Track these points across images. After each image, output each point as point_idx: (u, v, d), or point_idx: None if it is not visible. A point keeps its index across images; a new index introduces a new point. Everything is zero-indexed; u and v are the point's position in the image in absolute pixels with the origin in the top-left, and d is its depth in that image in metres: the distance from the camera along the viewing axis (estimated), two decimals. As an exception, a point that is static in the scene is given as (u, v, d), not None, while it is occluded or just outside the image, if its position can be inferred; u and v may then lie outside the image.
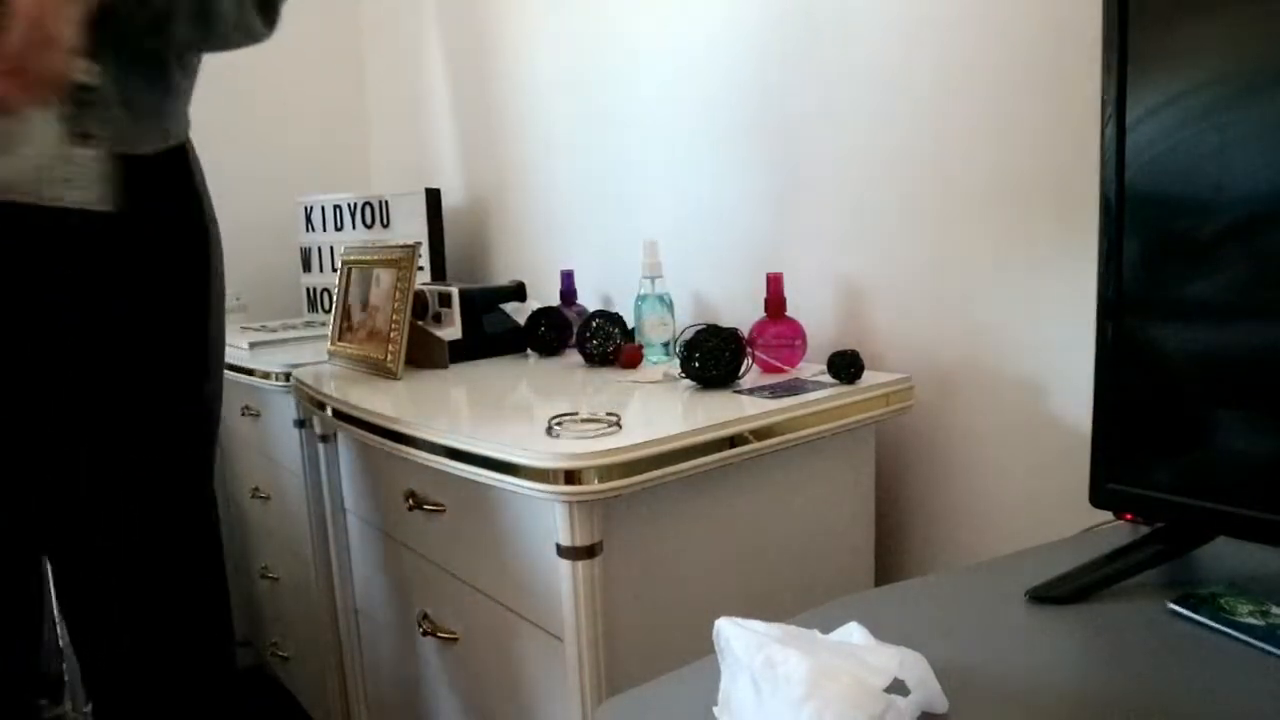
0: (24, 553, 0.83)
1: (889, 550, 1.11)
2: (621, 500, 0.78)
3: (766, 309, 1.08)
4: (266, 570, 1.64)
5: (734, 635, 0.46)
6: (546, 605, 0.83)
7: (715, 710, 0.48)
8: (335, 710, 1.41)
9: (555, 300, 1.42)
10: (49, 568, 0.87)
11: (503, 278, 1.77)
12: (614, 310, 1.29)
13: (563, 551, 0.78)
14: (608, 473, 0.74)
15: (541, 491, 0.75)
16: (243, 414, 1.61)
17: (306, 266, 1.96)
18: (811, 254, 1.18)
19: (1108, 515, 0.68)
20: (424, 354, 1.28)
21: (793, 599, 0.95)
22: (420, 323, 1.33)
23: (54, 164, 0.70)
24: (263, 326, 1.80)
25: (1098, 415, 0.64)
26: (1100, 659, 0.55)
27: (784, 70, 1.18)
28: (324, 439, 1.29)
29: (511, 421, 0.88)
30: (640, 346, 1.21)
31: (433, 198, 1.71)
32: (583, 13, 1.51)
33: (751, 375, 1.04)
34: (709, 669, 0.52)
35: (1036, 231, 0.93)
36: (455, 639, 1.01)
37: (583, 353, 1.24)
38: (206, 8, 0.78)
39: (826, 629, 0.50)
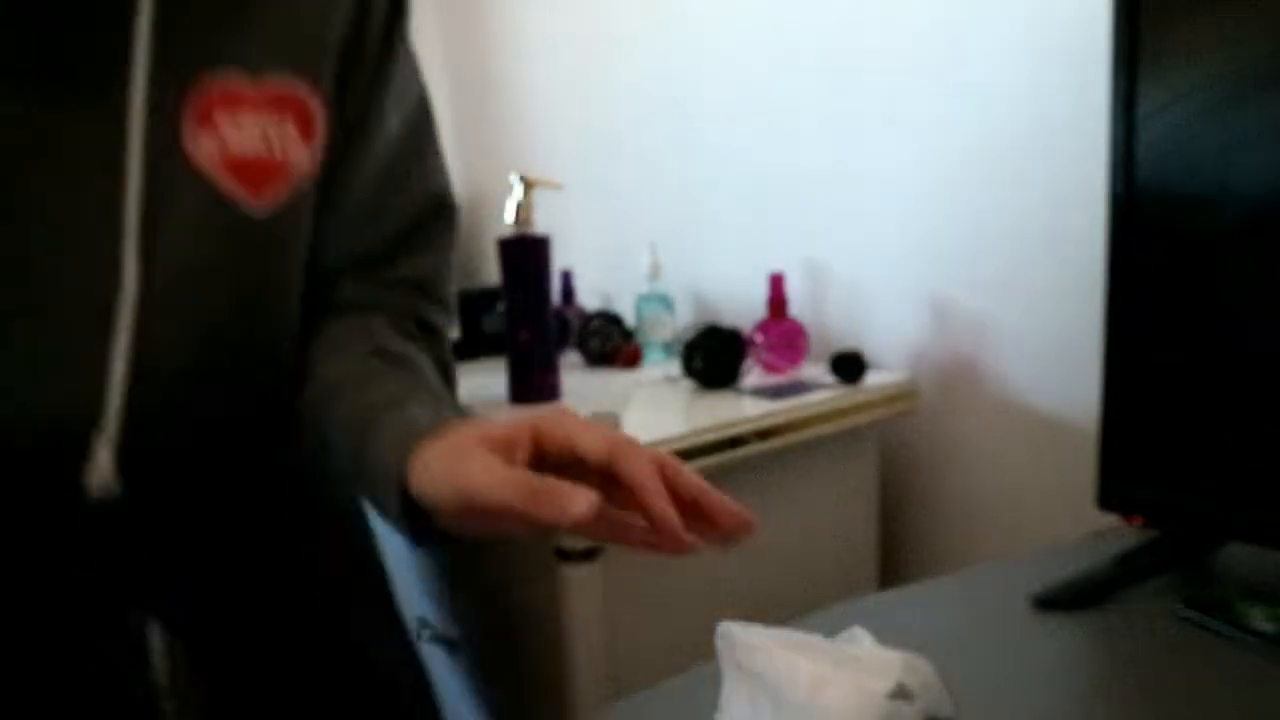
0: None
1: (892, 553, 1.10)
2: (621, 502, 0.77)
3: (768, 309, 1.07)
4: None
5: (736, 640, 0.45)
6: (547, 610, 0.82)
7: (717, 716, 0.47)
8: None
9: (555, 300, 1.41)
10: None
11: (502, 278, 1.76)
12: (614, 310, 1.28)
13: (563, 555, 0.77)
14: (607, 474, 0.73)
15: (540, 493, 0.74)
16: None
17: (305, 266, 1.95)
18: (813, 254, 1.17)
19: (1115, 518, 0.67)
20: (422, 354, 1.27)
21: (795, 602, 0.94)
22: (419, 323, 1.32)
23: None
24: (261, 326, 1.79)
25: (1105, 416, 0.63)
26: (1108, 665, 0.54)
27: (785, 71, 1.17)
28: (321, 440, 1.28)
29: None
30: (640, 346, 1.21)
31: (432, 197, 1.70)
32: (583, 13, 1.50)
33: (753, 375, 1.03)
34: (711, 674, 0.51)
35: (1042, 230, 0.93)
36: (454, 644, 1.00)
37: (583, 353, 1.23)
38: None
39: (830, 632, 0.49)
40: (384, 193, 0.58)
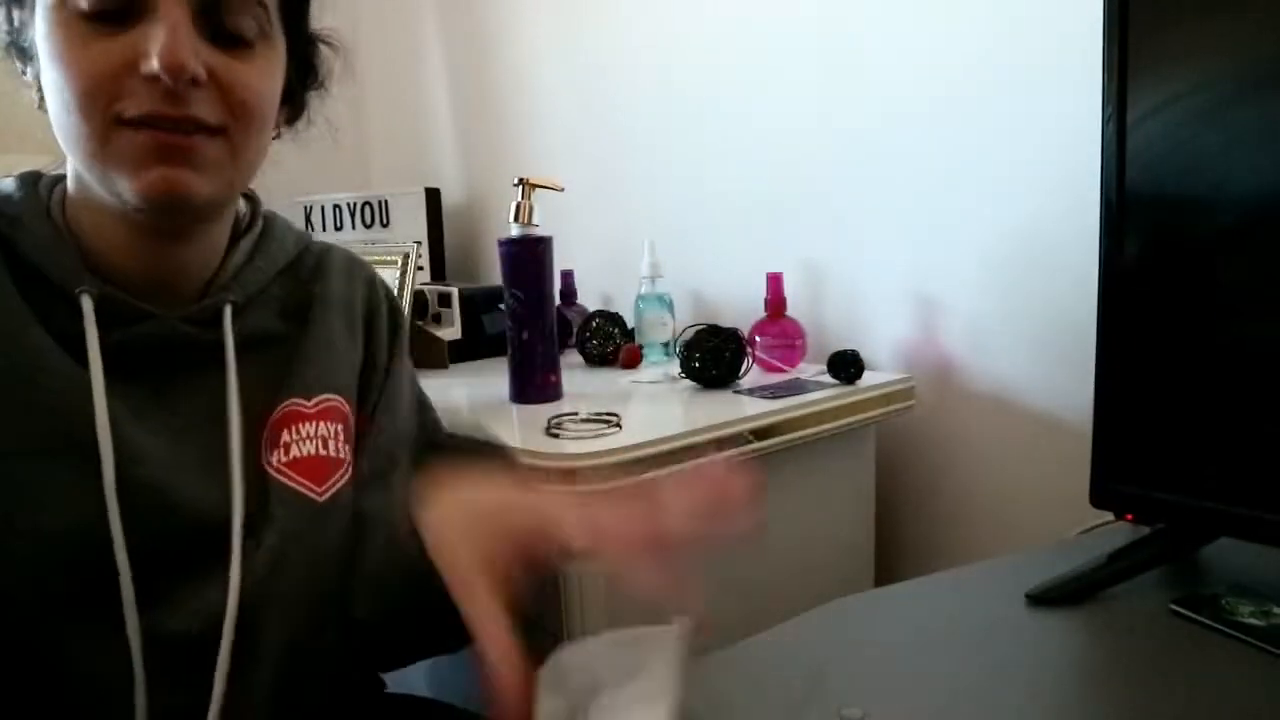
0: None
1: (889, 550, 1.11)
2: (621, 500, 0.78)
3: (767, 309, 1.08)
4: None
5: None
6: (546, 605, 0.82)
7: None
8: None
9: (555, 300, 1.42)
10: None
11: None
12: (614, 310, 1.29)
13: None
14: (608, 473, 0.74)
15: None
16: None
17: (306, 266, 1.95)
18: (811, 255, 1.17)
19: (1108, 515, 0.68)
20: (424, 354, 1.27)
21: (793, 599, 0.95)
22: (420, 323, 1.32)
23: None
24: (262, 326, 1.79)
25: (1099, 415, 0.63)
26: (1100, 660, 0.55)
27: (783, 71, 1.18)
28: (323, 439, 1.29)
29: (511, 422, 0.88)
30: (640, 346, 1.21)
31: (432, 197, 1.70)
32: (583, 13, 1.51)
33: (752, 375, 1.04)
34: (709, 670, 0.52)
35: (1036, 231, 0.93)
36: (455, 639, 1.01)
37: (583, 353, 1.23)
38: None
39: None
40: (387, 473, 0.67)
